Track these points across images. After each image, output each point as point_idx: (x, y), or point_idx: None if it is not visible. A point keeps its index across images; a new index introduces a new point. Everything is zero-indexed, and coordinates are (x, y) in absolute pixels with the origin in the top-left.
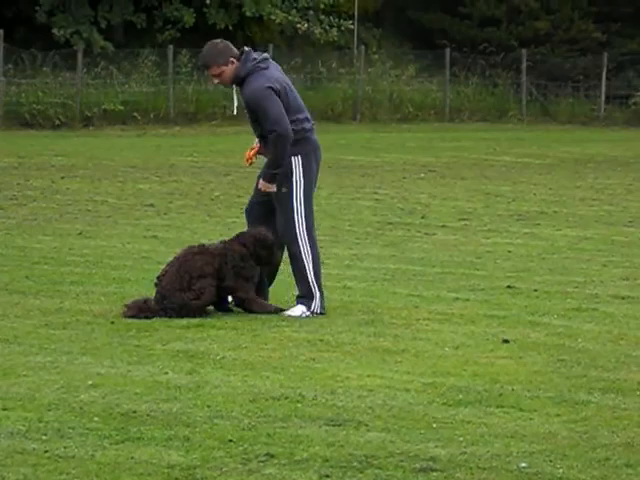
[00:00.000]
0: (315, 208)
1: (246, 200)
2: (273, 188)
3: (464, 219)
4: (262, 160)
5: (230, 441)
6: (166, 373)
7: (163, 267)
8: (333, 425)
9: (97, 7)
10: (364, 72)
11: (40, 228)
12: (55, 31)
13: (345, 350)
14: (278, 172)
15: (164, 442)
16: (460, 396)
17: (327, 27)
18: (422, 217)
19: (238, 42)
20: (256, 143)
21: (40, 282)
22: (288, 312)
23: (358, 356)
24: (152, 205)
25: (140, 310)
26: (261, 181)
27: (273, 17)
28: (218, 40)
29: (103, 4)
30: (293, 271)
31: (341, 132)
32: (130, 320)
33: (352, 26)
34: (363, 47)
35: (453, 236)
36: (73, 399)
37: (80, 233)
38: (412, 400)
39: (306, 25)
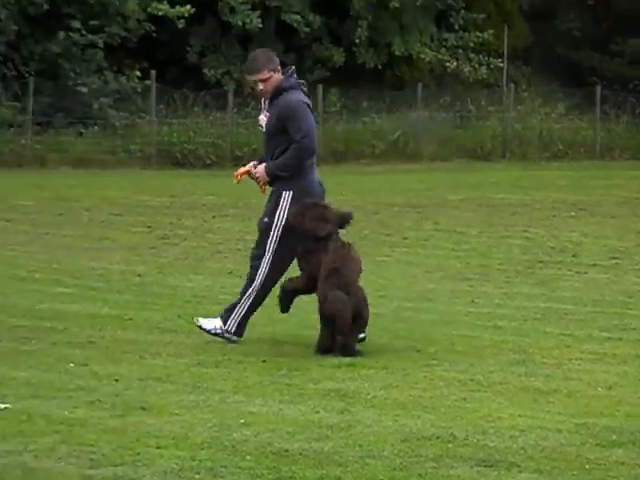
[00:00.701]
0: (465, 247)
1: (395, 239)
2: (264, 181)
3: (615, 258)
4: (249, 182)
5: None
6: (317, 412)
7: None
8: (485, 466)
9: (248, 47)
10: (513, 110)
11: (191, 267)
12: (206, 71)
13: (496, 390)
14: (282, 175)
15: None
16: (614, 437)
17: (476, 65)
18: (573, 255)
19: (387, 81)
20: (252, 164)
21: (192, 321)
22: (202, 321)
23: (509, 396)
24: None
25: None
26: (260, 168)
27: (422, 56)
28: (265, 48)
29: (254, 44)
30: (244, 288)
31: (490, 170)
32: (281, 359)
33: (501, 64)
34: (512, 85)
35: (604, 275)
36: (226, 437)
37: (231, 272)
38: (564, 441)
39: (455, 63)
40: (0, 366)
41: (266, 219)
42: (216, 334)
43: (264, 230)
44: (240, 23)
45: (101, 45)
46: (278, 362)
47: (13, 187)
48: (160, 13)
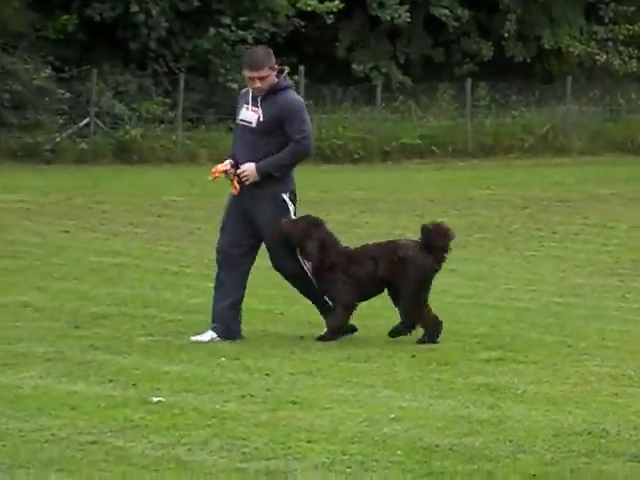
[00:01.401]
0: (615, 241)
1: (544, 233)
2: (253, 180)
3: None
4: (225, 181)
5: (533, 476)
6: (467, 407)
7: None
8: (638, 461)
9: (396, 42)
10: None
11: None
12: (354, 66)
13: None
14: (275, 175)
15: (467, 476)
16: None
17: (626, 58)
18: None
19: (536, 74)
20: (229, 162)
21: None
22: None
23: None
24: None
25: None
26: (250, 166)
27: (572, 49)
28: (263, 46)
29: (402, 39)
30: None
31: None
32: (431, 353)
33: None
34: None
35: None
36: (376, 432)
37: None
38: None
39: (605, 56)
40: (153, 360)
41: (285, 220)
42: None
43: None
44: (389, 18)
45: (250, 41)
46: (427, 357)
47: (164, 183)
48: (309, 9)
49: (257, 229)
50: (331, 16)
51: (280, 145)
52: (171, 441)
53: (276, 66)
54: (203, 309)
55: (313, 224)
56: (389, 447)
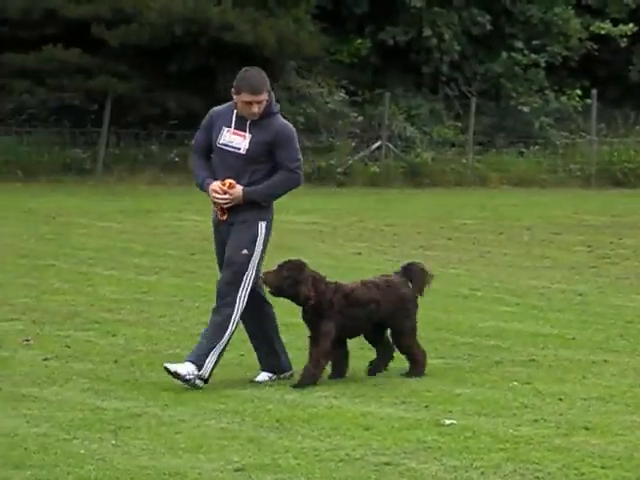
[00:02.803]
0: None
1: None
2: (236, 203)
3: None
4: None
5: None
6: None
7: None
8: None
9: None
10: None
11: (633, 287)
12: None
13: None
14: (261, 202)
15: None
16: None
17: None
18: None
19: None
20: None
21: (635, 341)
22: (174, 367)
23: None
24: None
25: None
26: (237, 190)
27: None
28: (258, 68)
29: None
30: (210, 327)
31: None
32: None
33: None
34: None
35: None
36: None
37: None
38: None
39: None
40: (445, 382)
41: (245, 251)
42: (187, 380)
43: (241, 263)
44: None
45: (543, 64)
46: None
47: (455, 206)
48: (602, 32)
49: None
50: (624, 39)
51: (268, 172)
52: (464, 464)
53: (269, 90)
54: (494, 332)
55: (296, 268)
56: None
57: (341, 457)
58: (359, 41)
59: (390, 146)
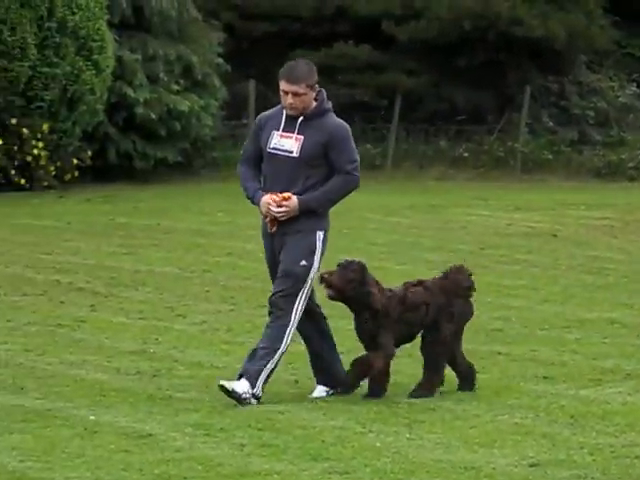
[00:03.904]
0: None
1: None
2: (291, 214)
3: None
4: None
5: None
6: None
7: None
8: None
9: None
10: None
11: None
12: None
13: None
14: (317, 210)
15: None
16: None
17: None
18: None
19: None
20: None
21: None
22: (230, 385)
23: None
24: None
25: None
26: (292, 201)
27: None
28: (307, 60)
29: None
30: (264, 341)
31: None
32: None
33: None
34: None
35: None
36: None
37: None
38: None
39: None
40: None
41: (303, 262)
42: (243, 399)
43: (299, 275)
44: None
45: None
46: None
47: None
48: None
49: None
50: None
51: (324, 177)
52: None
53: (316, 87)
54: None
55: (362, 269)
56: None
57: (637, 454)
58: None
59: None
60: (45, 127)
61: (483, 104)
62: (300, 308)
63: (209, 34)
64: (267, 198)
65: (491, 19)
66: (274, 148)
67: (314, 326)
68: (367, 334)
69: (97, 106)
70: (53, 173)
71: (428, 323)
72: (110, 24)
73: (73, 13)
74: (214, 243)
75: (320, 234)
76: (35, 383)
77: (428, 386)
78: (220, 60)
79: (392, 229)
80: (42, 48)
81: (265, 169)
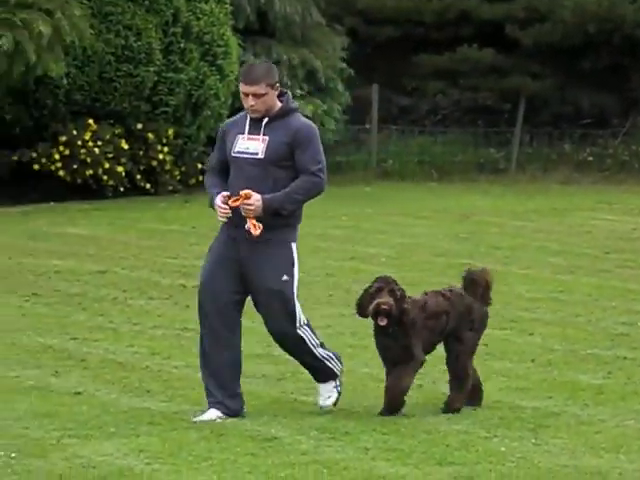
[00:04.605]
0: None
1: None
2: (255, 213)
3: None
4: None
5: None
6: None
7: None
8: None
9: None
10: None
11: None
12: None
13: None
14: (283, 213)
15: None
16: None
17: None
18: None
19: None
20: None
21: None
22: (327, 402)
23: None
24: None
25: None
26: (255, 199)
27: None
28: (267, 61)
29: None
30: (304, 365)
31: None
32: None
33: None
34: None
35: None
36: None
37: None
38: None
39: None
40: None
41: (285, 277)
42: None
43: (284, 289)
44: None
45: None
46: None
47: None
48: None
49: (249, 282)
50: None
51: (291, 179)
52: None
53: (277, 84)
54: None
55: (395, 282)
56: None
57: None
58: None
59: None
60: (170, 132)
61: (608, 107)
62: (304, 322)
63: (333, 39)
64: (218, 199)
65: (616, 22)
66: (239, 152)
67: (228, 349)
68: (397, 346)
69: (221, 111)
70: (178, 178)
71: (449, 332)
72: (235, 29)
73: (198, 19)
74: (337, 247)
75: (293, 245)
76: (161, 386)
77: (460, 398)
78: (343, 65)
79: (516, 233)
80: (167, 53)
81: (232, 175)
